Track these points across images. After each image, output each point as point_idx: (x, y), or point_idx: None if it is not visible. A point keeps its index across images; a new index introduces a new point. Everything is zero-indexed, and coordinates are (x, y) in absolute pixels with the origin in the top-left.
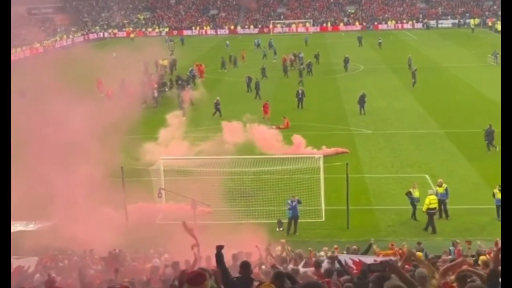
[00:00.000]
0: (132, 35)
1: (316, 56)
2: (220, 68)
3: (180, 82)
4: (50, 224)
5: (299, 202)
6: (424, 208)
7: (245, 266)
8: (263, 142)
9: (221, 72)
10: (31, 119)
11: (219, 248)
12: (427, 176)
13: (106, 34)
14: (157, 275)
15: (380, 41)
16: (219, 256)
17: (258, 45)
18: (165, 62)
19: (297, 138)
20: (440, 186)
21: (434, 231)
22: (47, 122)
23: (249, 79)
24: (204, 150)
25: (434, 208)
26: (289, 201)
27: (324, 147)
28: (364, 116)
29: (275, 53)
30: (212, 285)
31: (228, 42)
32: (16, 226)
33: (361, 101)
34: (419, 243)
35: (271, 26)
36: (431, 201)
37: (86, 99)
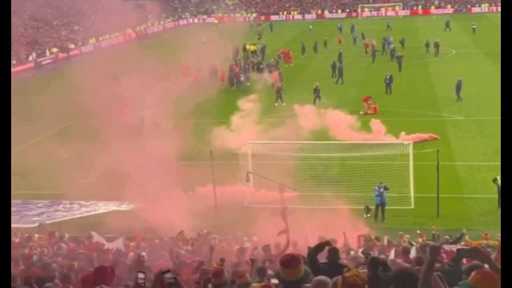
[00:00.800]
0: (216, 21)
1: (402, 42)
2: (301, 54)
3: (261, 66)
4: (141, 205)
5: (386, 188)
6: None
7: (333, 252)
8: (337, 128)
9: (308, 57)
10: (118, 102)
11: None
12: None
13: (195, 20)
14: (245, 257)
15: (474, 26)
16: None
17: (340, 29)
18: (252, 47)
19: (376, 124)
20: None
21: None
22: (135, 105)
23: (335, 64)
24: (280, 135)
25: None
26: (376, 187)
27: (416, 133)
28: (457, 102)
29: (361, 38)
30: (306, 270)
31: (311, 27)
32: (110, 206)
33: (458, 87)
34: None
35: (359, 10)
36: None
37: (172, 84)
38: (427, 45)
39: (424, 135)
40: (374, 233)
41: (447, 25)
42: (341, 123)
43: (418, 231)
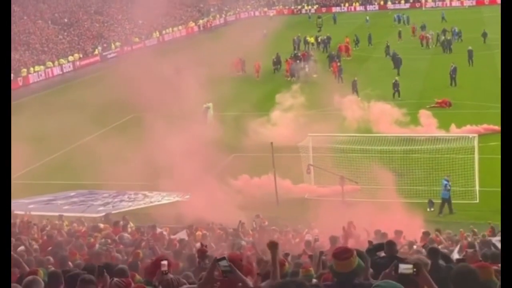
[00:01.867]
0: (271, 14)
1: (459, 34)
2: (354, 46)
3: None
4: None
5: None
6: None
7: (390, 245)
8: (380, 122)
9: (370, 49)
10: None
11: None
12: None
13: (256, 13)
14: (308, 250)
15: None
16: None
17: (399, 20)
18: (312, 40)
19: (426, 117)
20: None
21: None
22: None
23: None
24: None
25: None
26: (444, 181)
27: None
28: None
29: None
30: (360, 263)
31: (368, 17)
32: (173, 197)
33: None
34: None
35: (423, 0)
36: None
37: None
38: (484, 35)
39: (491, 127)
40: (436, 227)
41: None
42: (386, 116)
43: (490, 223)
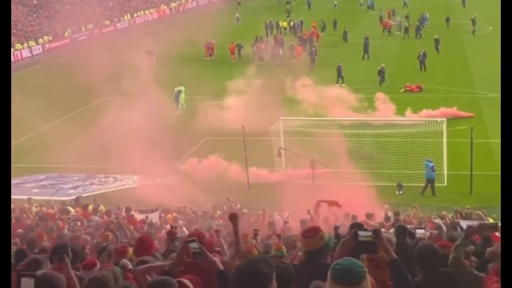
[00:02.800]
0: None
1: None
2: (321, 31)
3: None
4: (171, 180)
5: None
6: None
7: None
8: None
9: (336, 34)
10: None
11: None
12: None
13: None
14: (275, 231)
15: None
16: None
17: (367, 6)
18: (285, 24)
19: (382, 101)
20: None
21: None
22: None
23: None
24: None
25: None
26: (429, 163)
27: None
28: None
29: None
30: (329, 239)
31: (336, 2)
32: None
33: None
34: None
35: None
36: None
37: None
38: (447, 20)
39: (459, 112)
40: (405, 209)
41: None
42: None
43: (456, 208)
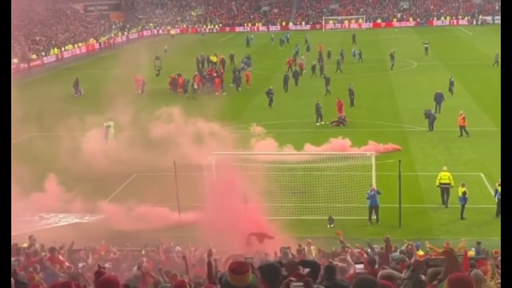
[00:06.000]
0: (172, 32)
1: (359, 54)
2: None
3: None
4: (102, 217)
5: (378, 192)
6: (437, 182)
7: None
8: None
9: (271, 69)
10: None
11: None
12: (481, 174)
13: (160, 31)
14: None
15: (426, 45)
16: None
17: (285, 40)
18: (214, 59)
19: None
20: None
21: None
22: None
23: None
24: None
25: (446, 184)
26: (368, 191)
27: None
28: (419, 114)
29: (307, 50)
30: (253, 279)
31: (252, 36)
32: (72, 219)
33: (438, 98)
34: (478, 243)
35: (323, 22)
36: (441, 176)
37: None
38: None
39: (387, 146)
40: (331, 243)
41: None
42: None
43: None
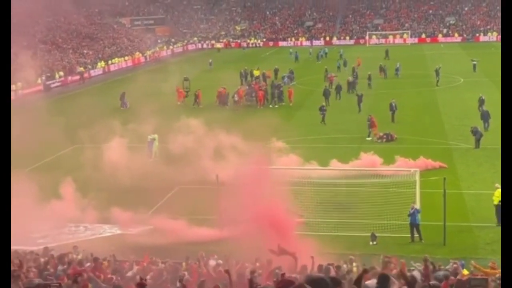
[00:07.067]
0: (218, 45)
1: (396, 69)
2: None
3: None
4: (145, 229)
5: (417, 211)
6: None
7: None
8: None
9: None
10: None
11: None
12: None
13: (204, 45)
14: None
15: (474, 62)
16: None
17: (324, 55)
18: (257, 73)
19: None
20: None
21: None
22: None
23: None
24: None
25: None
26: (409, 209)
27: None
28: (466, 130)
29: (345, 65)
30: None
31: (291, 50)
32: (115, 230)
33: (485, 116)
34: None
35: (367, 37)
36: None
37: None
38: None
39: (432, 163)
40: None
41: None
42: None
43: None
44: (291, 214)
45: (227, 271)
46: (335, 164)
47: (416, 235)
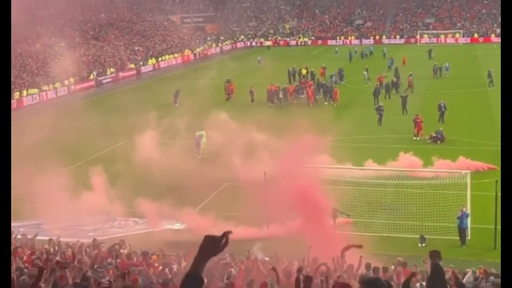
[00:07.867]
0: (267, 43)
1: (435, 70)
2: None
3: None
4: (192, 225)
5: (466, 215)
6: None
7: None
8: None
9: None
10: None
11: None
12: None
13: (253, 43)
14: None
15: None
16: None
17: (368, 54)
18: (305, 71)
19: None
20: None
21: None
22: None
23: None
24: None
25: None
26: (459, 212)
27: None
28: None
29: (391, 64)
30: None
31: (337, 49)
32: (163, 225)
33: None
34: None
35: (418, 36)
36: None
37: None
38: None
39: (482, 165)
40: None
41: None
42: None
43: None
44: (338, 213)
45: (274, 268)
46: (385, 164)
47: (468, 237)
